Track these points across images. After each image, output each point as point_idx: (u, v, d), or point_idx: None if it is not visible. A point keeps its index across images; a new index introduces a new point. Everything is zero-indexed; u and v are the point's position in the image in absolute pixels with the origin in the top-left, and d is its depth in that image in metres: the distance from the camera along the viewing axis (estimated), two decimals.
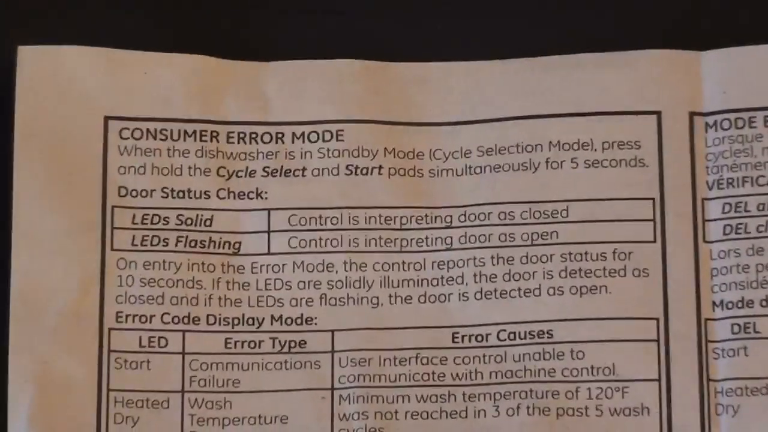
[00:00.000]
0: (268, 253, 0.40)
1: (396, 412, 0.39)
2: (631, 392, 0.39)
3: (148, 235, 0.40)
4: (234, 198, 0.40)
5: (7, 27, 0.41)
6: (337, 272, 0.40)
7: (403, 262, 0.40)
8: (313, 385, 0.40)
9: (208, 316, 0.40)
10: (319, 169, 0.40)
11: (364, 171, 0.40)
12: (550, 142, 0.40)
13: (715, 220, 0.40)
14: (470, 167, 0.40)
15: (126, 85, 0.40)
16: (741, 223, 0.40)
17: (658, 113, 0.40)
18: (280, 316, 0.40)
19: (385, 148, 0.40)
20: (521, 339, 0.40)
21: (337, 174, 0.40)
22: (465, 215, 0.40)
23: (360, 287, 0.40)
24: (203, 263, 0.40)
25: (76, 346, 0.39)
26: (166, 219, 0.40)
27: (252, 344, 0.40)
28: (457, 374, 0.40)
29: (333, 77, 0.41)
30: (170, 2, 0.41)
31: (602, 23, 0.41)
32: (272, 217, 0.40)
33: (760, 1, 0.41)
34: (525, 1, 0.41)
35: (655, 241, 0.40)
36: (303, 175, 0.40)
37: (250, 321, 0.40)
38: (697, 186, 0.40)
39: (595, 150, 0.40)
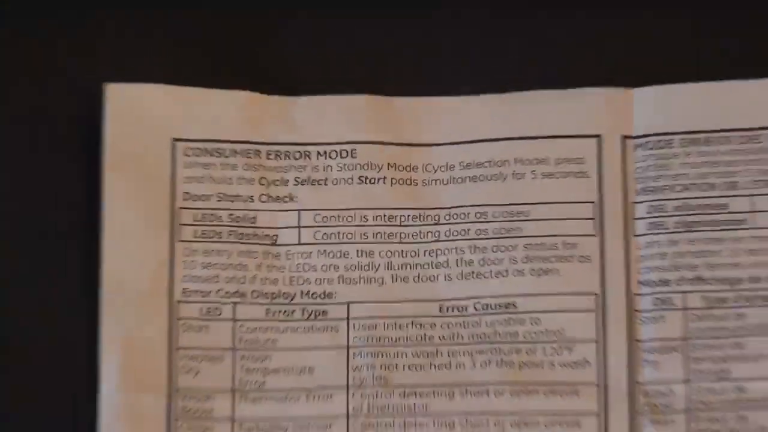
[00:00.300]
0: (299, 244, 0.42)
1: (396, 365, 0.42)
2: (577, 350, 0.42)
3: (206, 230, 0.42)
4: (272, 201, 0.43)
5: (93, 63, 0.43)
6: (351, 258, 0.42)
7: (402, 251, 0.43)
8: (333, 344, 0.42)
9: (252, 291, 0.42)
10: (337, 179, 0.43)
11: (373, 181, 0.43)
12: (516, 159, 0.42)
13: (641, 218, 0.42)
14: (454, 178, 0.43)
15: (189, 114, 0.42)
16: (661, 222, 0.42)
17: (599, 137, 0.42)
18: (308, 292, 0.42)
19: (388, 163, 0.43)
20: (492, 309, 0.42)
21: (352, 183, 0.43)
22: (449, 215, 0.43)
23: (369, 270, 0.42)
24: (249, 251, 0.42)
25: (152, 316, 0.42)
26: (220, 217, 0.42)
27: (286, 313, 0.42)
28: (443, 336, 0.42)
29: (349, 108, 0.42)
30: (208, 41, 0.43)
31: (557, 68, 0.43)
32: (302, 216, 0.43)
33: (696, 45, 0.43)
34: (498, 49, 0.43)
35: (595, 235, 0.42)
36: (325, 184, 0.43)
37: (285, 295, 0.42)
38: (628, 192, 0.42)
39: (550, 165, 0.42)
